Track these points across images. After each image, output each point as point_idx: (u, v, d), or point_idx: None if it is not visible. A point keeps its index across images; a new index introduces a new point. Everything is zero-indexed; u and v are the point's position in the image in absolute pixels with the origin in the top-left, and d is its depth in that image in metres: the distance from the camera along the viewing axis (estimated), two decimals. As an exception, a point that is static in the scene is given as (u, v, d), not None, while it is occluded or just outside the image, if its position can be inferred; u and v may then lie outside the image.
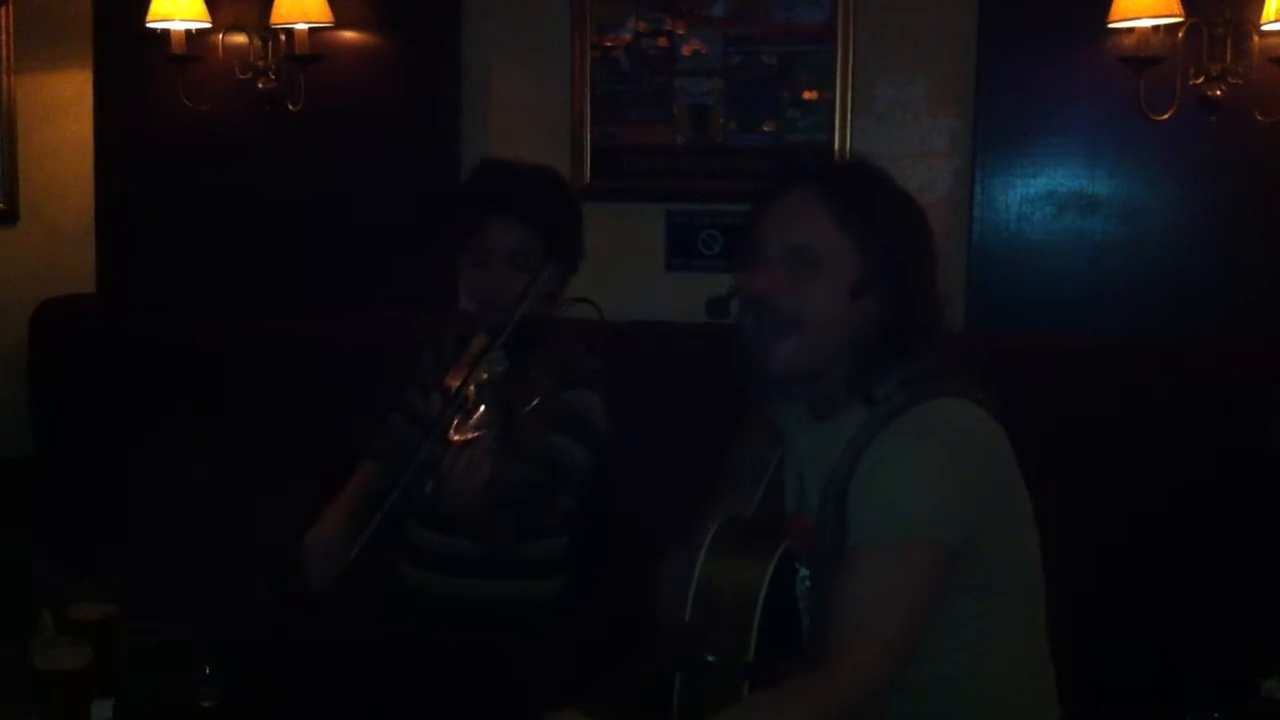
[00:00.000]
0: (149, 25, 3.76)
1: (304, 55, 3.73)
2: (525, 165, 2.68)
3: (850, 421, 1.93)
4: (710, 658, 1.95)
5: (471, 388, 2.18)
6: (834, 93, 3.47)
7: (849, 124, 3.47)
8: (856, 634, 1.81)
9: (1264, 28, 3.06)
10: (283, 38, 3.77)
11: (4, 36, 3.86)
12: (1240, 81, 3.11)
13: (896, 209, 1.98)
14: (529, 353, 2.29)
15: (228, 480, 3.33)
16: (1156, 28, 3.12)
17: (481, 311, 2.60)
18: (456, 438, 2.14)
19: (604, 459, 2.63)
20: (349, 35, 3.80)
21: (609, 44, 3.64)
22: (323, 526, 2.61)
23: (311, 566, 2.55)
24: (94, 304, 4.00)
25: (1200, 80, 3.14)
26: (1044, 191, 3.34)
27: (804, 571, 2.01)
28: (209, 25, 3.80)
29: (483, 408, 2.15)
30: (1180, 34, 3.13)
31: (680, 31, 3.59)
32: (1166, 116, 3.17)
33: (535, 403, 2.21)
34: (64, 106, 4.07)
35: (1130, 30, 3.15)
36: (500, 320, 2.37)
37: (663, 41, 3.61)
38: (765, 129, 3.55)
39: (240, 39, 3.85)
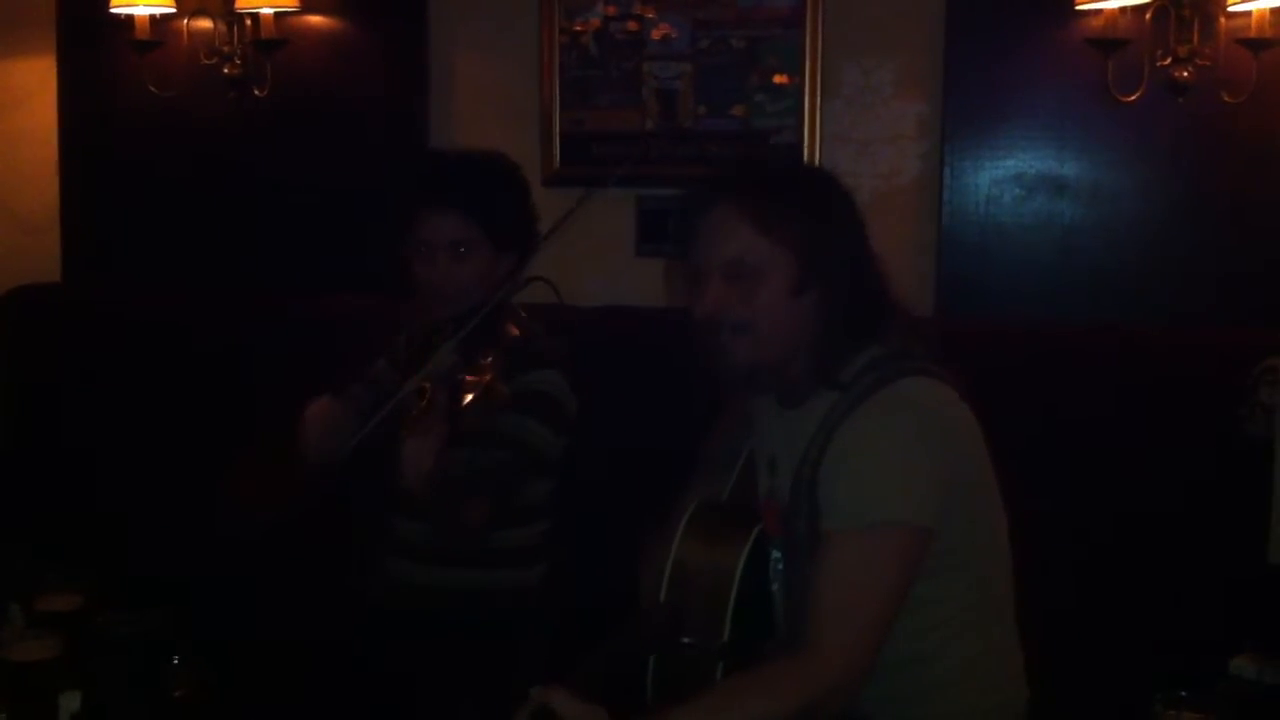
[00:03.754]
0: (113, 10, 3.72)
1: (270, 40, 3.70)
2: (465, 153, 2.69)
3: (819, 407, 1.95)
4: (686, 639, 1.96)
5: (427, 384, 2.24)
6: (803, 77, 3.46)
7: (818, 109, 3.46)
8: (834, 617, 1.83)
9: (1230, 9, 3.07)
10: (248, 22, 3.74)
11: (-35, 24, 3.83)
12: (1208, 63, 3.12)
13: (818, 199, 2.00)
14: (483, 340, 2.30)
15: (201, 466, 3.31)
16: (1123, 9, 3.13)
17: (428, 303, 2.60)
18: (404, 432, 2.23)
19: (574, 439, 2.62)
20: (315, 20, 3.77)
21: (578, 28, 3.62)
22: (324, 404, 2.59)
23: (317, 436, 2.53)
24: (60, 292, 3.97)
25: (1168, 62, 3.14)
26: (1013, 174, 3.35)
27: (776, 554, 2.03)
28: (173, 10, 3.76)
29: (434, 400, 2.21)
30: (1147, 16, 3.14)
31: (649, 15, 3.57)
32: (1134, 98, 3.18)
33: (484, 386, 2.22)
34: (27, 93, 4.03)
35: (1098, 12, 3.15)
36: (460, 315, 2.40)
37: (631, 26, 3.59)
38: (734, 114, 3.54)
39: (205, 24, 3.81)
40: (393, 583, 2.69)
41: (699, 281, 1.98)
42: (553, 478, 2.68)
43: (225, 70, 3.78)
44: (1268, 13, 3.02)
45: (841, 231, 1.97)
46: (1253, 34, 3.04)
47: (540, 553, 2.70)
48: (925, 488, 1.87)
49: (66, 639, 2.05)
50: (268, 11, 3.67)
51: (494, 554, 2.62)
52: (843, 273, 1.94)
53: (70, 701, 2.02)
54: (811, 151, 3.44)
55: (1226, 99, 3.11)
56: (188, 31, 3.82)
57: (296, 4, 3.68)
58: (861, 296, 1.95)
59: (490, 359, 2.26)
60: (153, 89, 3.83)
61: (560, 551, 2.75)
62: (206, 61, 3.80)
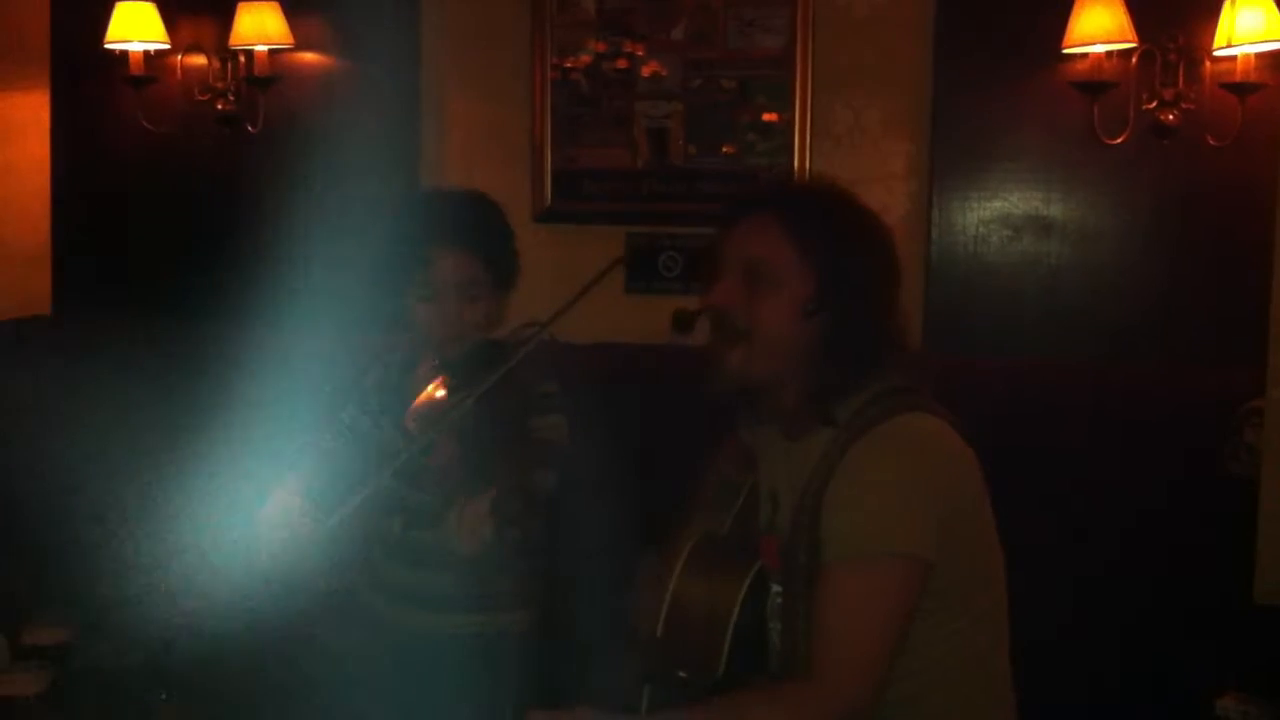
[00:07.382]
0: (107, 46, 3.74)
1: (263, 77, 3.72)
2: (459, 193, 2.67)
3: (821, 439, 1.94)
4: (682, 673, 1.96)
5: (443, 438, 2.21)
6: (792, 116, 3.49)
7: (807, 147, 3.49)
8: (841, 645, 1.83)
9: (1215, 54, 3.11)
10: (242, 59, 3.77)
11: (-40, 58, 3.85)
12: (1192, 107, 3.15)
13: (855, 231, 2.00)
14: (493, 388, 2.24)
15: (191, 497, 3.31)
16: (1110, 53, 3.16)
17: (434, 345, 2.55)
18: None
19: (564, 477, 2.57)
20: (308, 57, 3.80)
21: (569, 66, 3.65)
22: (281, 501, 2.49)
23: (271, 539, 2.44)
24: (51, 325, 3.97)
25: (1153, 105, 3.18)
26: (1000, 215, 3.37)
27: (776, 588, 2.02)
28: (167, 46, 3.79)
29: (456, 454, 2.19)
30: (1133, 60, 3.17)
31: (640, 54, 3.60)
32: (1120, 141, 3.21)
33: (510, 438, 2.22)
34: (20, 128, 4.04)
35: (1084, 56, 3.18)
36: (459, 358, 2.41)
37: (622, 64, 3.62)
38: (724, 152, 3.57)
39: (199, 60, 3.84)
40: (381, 627, 2.63)
41: (717, 274, 1.98)
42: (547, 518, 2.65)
43: (218, 106, 3.80)
44: (1252, 58, 3.05)
45: (869, 267, 1.97)
46: (1237, 78, 3.07)
47: (531, 594, 2.67)
48: (926, 521, 1.86)
49: (52, 673, 2.04)
50: (261, 49, 3.69)
51: (490, 597, 2.58)
52: (859, 307, 1.93)
53: (56, 736, 2.02)
54: (800, 190, 3.46)
55: (1211, 142, 3.14)
56: (181, 68, 3.85)
57: (290, 42, 3.70)
58: (867, 333, 1.95)
59: (511, 405, 2.25)
60: (146, 124, 3.85)
61: (551, 589, 2.71)
62: (200, 97, 3.83)
